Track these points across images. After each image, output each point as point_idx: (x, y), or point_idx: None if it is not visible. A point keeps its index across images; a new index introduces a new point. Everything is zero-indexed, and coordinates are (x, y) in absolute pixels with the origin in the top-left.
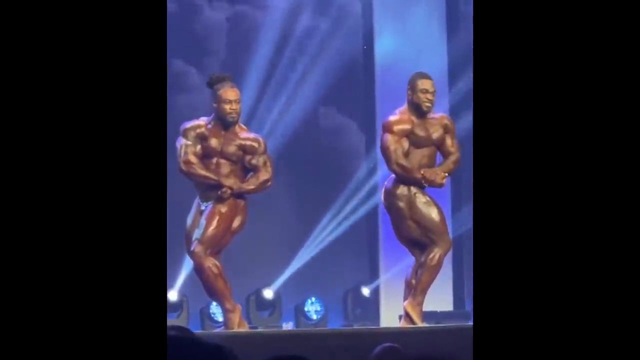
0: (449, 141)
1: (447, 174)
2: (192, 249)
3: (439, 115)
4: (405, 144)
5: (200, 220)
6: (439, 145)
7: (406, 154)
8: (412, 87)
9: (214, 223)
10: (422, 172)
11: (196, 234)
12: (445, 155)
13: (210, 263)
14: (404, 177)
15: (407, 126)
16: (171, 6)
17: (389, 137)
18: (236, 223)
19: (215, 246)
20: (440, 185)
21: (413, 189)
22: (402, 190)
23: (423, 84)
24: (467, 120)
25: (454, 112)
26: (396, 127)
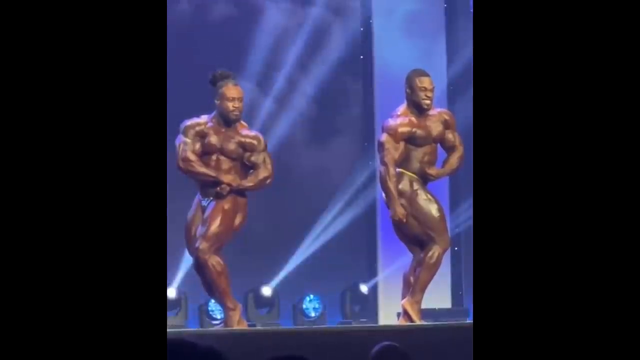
0: (450, 136)
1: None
2: (196, 246)
3: (437, 110)
4: (403, 146)
5: (201, 217)
6: (440, 141)
7: (407, 154)
8: (411, 85)
9: (218, 220)
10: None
11: (200, 231)
12: (449, 150)
13: (214, 261)
14: (383, 177)
15: (406, 129)
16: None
17: (386, 138)
18: (237, 220)
19: (218, 243)
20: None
21: (415, 185)
22: (403, 186)
23: (421, 82)
24: (467, 117)
25: (453, 107)
26: (398, 131)
